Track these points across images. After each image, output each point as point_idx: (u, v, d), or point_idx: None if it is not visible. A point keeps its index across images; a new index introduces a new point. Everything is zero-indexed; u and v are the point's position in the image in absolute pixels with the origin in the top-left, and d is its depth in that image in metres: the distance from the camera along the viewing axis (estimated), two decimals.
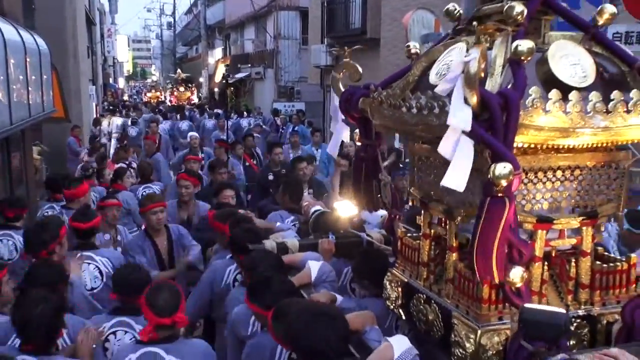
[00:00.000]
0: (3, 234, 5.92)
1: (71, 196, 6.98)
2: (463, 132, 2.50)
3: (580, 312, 3.00)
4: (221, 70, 37.05)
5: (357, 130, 3.84)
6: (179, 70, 39.97)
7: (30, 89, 8.22)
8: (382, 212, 5.16)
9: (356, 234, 4.76)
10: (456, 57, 2.84)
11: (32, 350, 3.45)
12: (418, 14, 12.19)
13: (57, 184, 7.66)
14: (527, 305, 2.54)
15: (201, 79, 44.26)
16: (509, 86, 2.60)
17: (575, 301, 3.03)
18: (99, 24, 35.13)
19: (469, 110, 2.48)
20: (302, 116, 21.11)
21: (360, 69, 3.76)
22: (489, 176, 2.45)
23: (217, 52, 43.36)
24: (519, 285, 2.61)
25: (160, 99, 39.85)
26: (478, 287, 2.83)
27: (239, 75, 35.18)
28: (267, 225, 6.07)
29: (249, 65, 34.46)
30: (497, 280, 2.59)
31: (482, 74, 2.52)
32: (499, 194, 2.48)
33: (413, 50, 3.47)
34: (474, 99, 2.46)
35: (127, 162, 11.27)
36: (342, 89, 3.74)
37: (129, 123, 20.53)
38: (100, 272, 5.18)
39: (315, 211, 5.48)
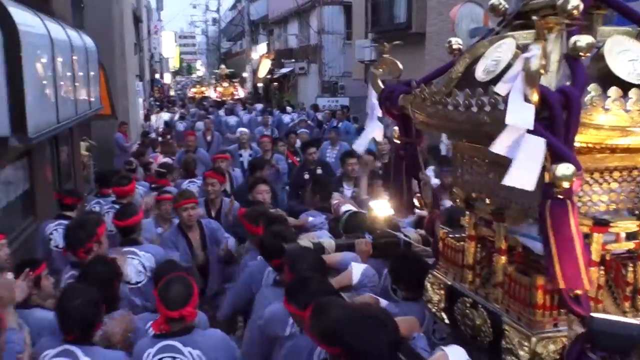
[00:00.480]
0: (58, 224, 6.20)
1: (121, 193, 7.06)
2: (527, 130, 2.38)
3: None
4: (265, 65, 37.22)
5: (396, 128, 3.72)
6: (222, 66, 40.12)
7: (77, 86, 8.40)
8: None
9: (393, 234, 4.62)
10: (505, 53, 2.74)
11: (73, 340, 3.52)
12: (466, 7, 11.93)
13: (106, 179, 7.82)
14: (595, 315, 2.43)
15: (245, 74, 44.41)
16: (566, 83, 2.49)
17: (633, 307, 2.87)
18: (145, 21, 35.55)
19: (531, 108, 2.35)
20: (346, 112, 20.95)
21: (400, 65, 3.61)
22: (549, 177, 2.35)
23: (261, 48, 43.46)
24: (579, 292, 2.47)
25: (204, 94, 40.14)
26: (531, 293, 2.70)
27: (282, 71, 35.25)
28: (299, 222, 6.01)
29: (293, 60, 34.51)
30: (587, 288, 2.45)
31: (544, 71, 2.39)
32: (560, 196, 2.37)
33: (455, 46, 3.35)
34: (534, 97, 2.34)
35: (172, 157, 11.56)
36: (382, 86, 3.64)
37: (177, 118, 20.75)
38: (144, 267, 5.26)
39: (347, 211, 5.32)
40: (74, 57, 8.29)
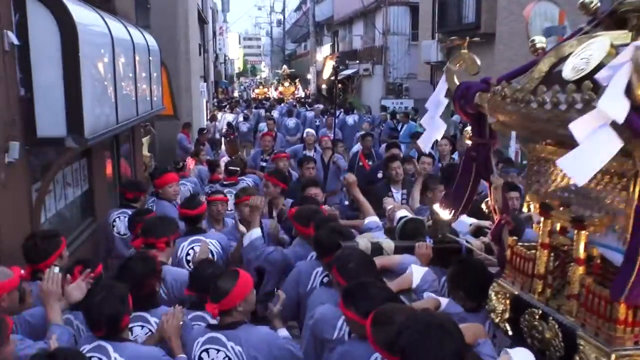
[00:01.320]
0: (121, 212, 6.79)
1: (159, 185, 7.38)
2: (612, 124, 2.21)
3: None
4: (329, 66, 37.28)
5: (468, 128, 3.57)
6: (284, 66, 40.44)
7: (138, 86, 8.37)
8: (472, 220, 4.90)
9: (455, 240, 4.44)
10: (597, 51, 2.56)
11: (102, 336, 3.57)
12: (540, 5, 11.58)
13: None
14: None
15: (309, 76, 44.60)
16: None
17: None
18: (211, 22, 35.98)
19: (627, 103, 2.18)
20: (414, 114, 20.73)
21: (478, 61, 3.50)
22: None
23: (325, 49, 43.58)
24: None
25: (267, 95, 40.57)
26: (612, 307, 2.52)
27: (346, 72, 35.13)
28: (353, 223, 5.86)
29: (357, 61, 34.44)
30: None
31: None
32: None
33: (539, 45, 3.15)
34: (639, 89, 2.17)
35: (234, 157, 11.79)
36: (457, 82, 3.49)
37: (240, 119, 20.95)
38: (212, 253, 5.56)
39: (402, 217, 5.12)
40: (136, 57, 8.27)
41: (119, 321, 3.59)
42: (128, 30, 8.07)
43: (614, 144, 2.20)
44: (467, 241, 4.45)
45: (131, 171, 9.83)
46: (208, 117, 23.78)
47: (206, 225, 6.53)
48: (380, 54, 31.27)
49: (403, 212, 5.35)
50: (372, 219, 5.71)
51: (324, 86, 40.90)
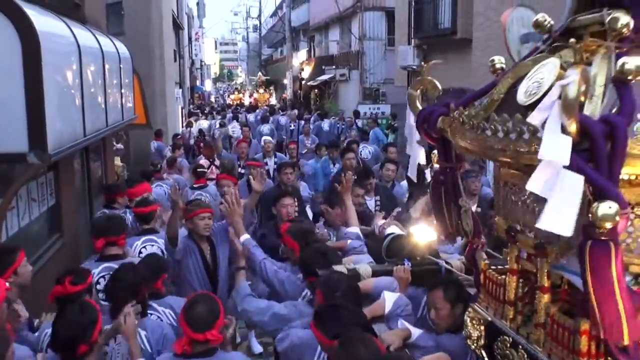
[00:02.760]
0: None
1: (133, 194, 7.57)
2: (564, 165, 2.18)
3: None
4: (306, 71, 37.37)
5: (435, 152, 3.53)
6: (259, 74, 40.50)
7: (108, 96, 8.17)
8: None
9: (434, 262, 4.46)
10: (548, 74, 2.52)
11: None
12: (518, 11, 11.65)
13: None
14: None
15: (285, 81, 44.73)
16: (613, 110, 2.26)
17: None
18: (187, 28, 35.92)
19: (568, 140, 2.15)
20: (391, 120, 21.07)
21: (439, 86, 3.48)
22: (590, 217, 2.14)
23: (302, 54, 43.65)
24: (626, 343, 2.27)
25: (242, 101, 40.58)
26: (575, 338, 2.50)
27: (323, 77, 35.20)
28: (339, 244, 5.82)
29: (334, 67, 34.42)
30: (626, 342, 2.26)
31: (583, 98, 2.20)
32: (602, 238, 2.16)
33: (498, 65, 3.17)
34: (572, 127, 2.14)
35: (211, 160, 12.04)
36: (420, 107, 3.46)
37: (217, 125, 21.01)
38: (162, 252, 6.07)
39: (389, 234, 5.15)
40: (106, 65, 8.10)
41: (75, 348, 3.54)
42: (97, 39, 7.92)
43: (578, 182, 2.17)
44: (446, 262, 4.47)
45: (103, 182, 9.63)
46: (184, 124, 23.87)
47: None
48: (357, 59, 31.31)
49: (392, 229, 5.41)
50: (354, 230, 5.83)
51: (300, 91, 40.98)
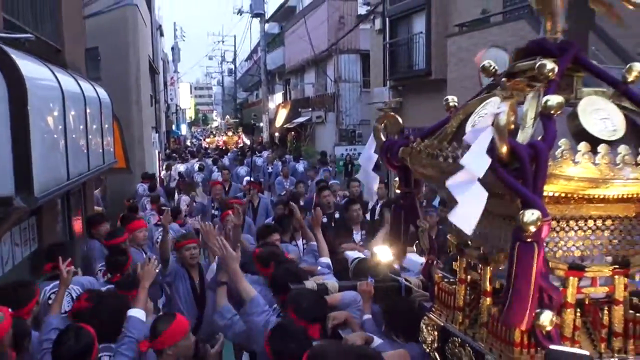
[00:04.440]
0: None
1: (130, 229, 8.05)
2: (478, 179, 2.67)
3: None
4: (282, 114, 37.86)
5: (396, 178, 4.04)
6: (227, 117, 41.12)
7: (90, 140, 8.31)
8: (421, 260, 5.41)
9: (395, 279, 4.95)
10: (491, 109, 3.02)
11: None
12: (490, 52, 12.13)
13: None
14: (552, 347, 2.69)
15: (261, 124, 45.21)
16: (539, 138, 2.74)
17: (608, 349, 3.11)
18: (162, 73, 36.32)
19: (487, 161, 2.65)
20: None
21: (400, 120, 3.98)
22: (518, 222, 2.60)
23: (277, 97, 44.24)
24: (548, 328, 2.73)
25: (217, 144, 41.14)
26: (510, 331, 2.95)
27: (299, 120, 35.67)
28: (309, 268, 6.30)
29: (310, 109, 34.94)
30: (523, 328, 2.72)
31: (512, 126, 2.71)
32: (528, 240, 2.63)
33: (451, 104, 3.71)
34: (503, 149, 2.64)
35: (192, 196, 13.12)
36: (383, 139, 3.97)
37: (196, 169, 21.49)
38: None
39: (355, 258, 5.75)
40: (87, 110, 8.21)
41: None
42: (79, 83, 8.06)
43: (482, 195, 2.67)
44: (405, 279, 4.96)
45: (83, 227, 9.79)
46: (162, 167, 24.35)
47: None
48: (333, 101, 31.91)
49: (356, 254, 6.11)
50: (325, 261, 6.30)
51: (276, 134, 41.38)
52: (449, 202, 3.48)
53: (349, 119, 31.28)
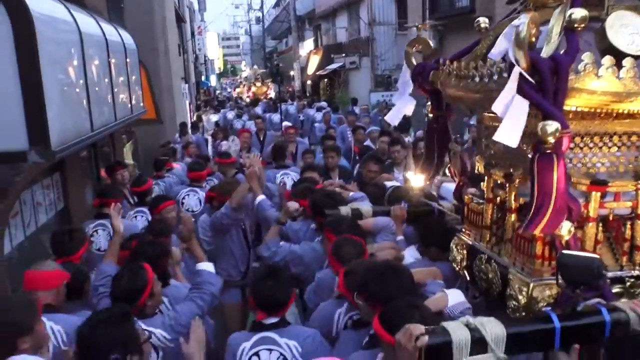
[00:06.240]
0: (98, 224, 6.64)
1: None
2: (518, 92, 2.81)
3: (635, 272, 3.26)
4: (314, 61, 37.66)
5: (429, 103, 4.23)
6: (255, 66, 41.02)
7: (115, 89, 7.84)
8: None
9: (427, 203, 5.18)
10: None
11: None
12: None
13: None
14: (565, 251, 2.87)
15: (292, 72, 44.93)
16: (562, 52, 2.84)
17: (630, 262, 3.29)
18: (189, 22, 36.22)
19: (517, 70, 2.79)
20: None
21: (432, 44, 4.11)
22: (537, 134, 2.75)
23: (308, 44, 43.85)
24: (566, 238, 2.94)
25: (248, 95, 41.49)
26: (533, 244, 3.15)
27: (332, 66, 35.35)
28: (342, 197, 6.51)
29: (343, 55, 34.56)
30: (548, 231, 2.90)
31: (533, 39, 2.83)
32: (547, 151, 2.78)
33: (483, 25, 3.83)
34: (523, 62, 2.76)
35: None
36: (415, 63, 4.14)
37: (230, 116, 21.85)
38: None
39: (391, 186, 6.09)
40: (111, 55, 7.71)
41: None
42: (100, 26, 7.56)
43: (524, 107, 2.83)
44: (438, 203, 5.19)
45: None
46: (194, 118, 24.49)
47: None
48: (367, 45, 31.49)
49: (393, 182, 6.53)
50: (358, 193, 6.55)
51: (308, 82, 41.25)
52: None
53: (384, 63, 30.79)
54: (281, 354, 3.83)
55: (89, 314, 3.76)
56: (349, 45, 34.47)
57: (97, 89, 6.77)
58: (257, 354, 3.85)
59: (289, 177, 9.11)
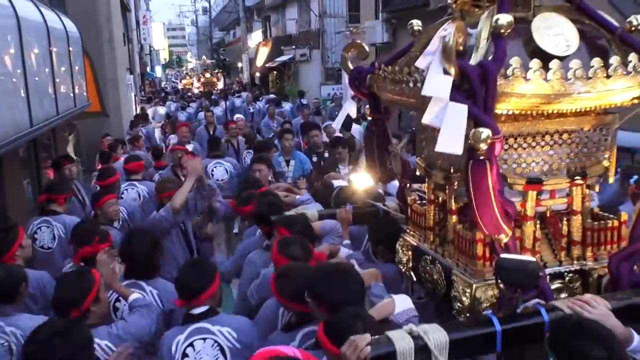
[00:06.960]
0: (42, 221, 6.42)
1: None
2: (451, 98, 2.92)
3: (573, 267, 3.44)
4: (263, 53, 37.59)
5: (367, 106, 4.33)
6: (203, 57, 40.88)
7: (57, 79, 7.69)
8: None
9: (373, 204, 5.27)
10: (450, 30, 3.27)
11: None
12: None
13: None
14: (503, 254, 3.02)
15: (240, 64, 44.78)
16: (490, 58, 3.00)
17: (568, 257, 3.47)
18: (133, 10, 35.84)
19: (449, 79, 2.91)
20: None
21: (367, 48, 4.21)
22: (469, 140, 2.88)
23: (257, 35, 43.73)
24: (505, 240, 3.07)
25: (192, 86, 41.33)
26: (473, 246, 3.28)
27: (281, 58, 35.36)
28: (288, 199, 6.65)
29: (293, 47, 34.53)
30: (509, 233, 3.03)
31: (461, 47, 2.97)
32: (480, 157, 2.91)
33: (416, 28, 3.94)
34: (452, 71, 2.90)
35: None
36: (351, 67, 4.23)
37: (172, 109, 21.77)
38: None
39: (338, 186, 6.20)
40: (52, 43, 7.53)
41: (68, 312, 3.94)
42: (40, 12, 7.31)
43: (463, 111, 2.91)
44: (384, 203, 5.30)
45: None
46: (138, 111, 24.29)
47: None
48: (317, 38, 31.55)
49: (339, 182, 6.62)
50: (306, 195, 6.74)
51: (257, 74, 41.18)
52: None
53: (335, 56, 30.71)
54: (215, 341, 3.94)
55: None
56: (299, 38, 34.45)
57: (36, 79, 6.62)
58: (191, 344, 3.95)
59: (221, 166, 9.39)
